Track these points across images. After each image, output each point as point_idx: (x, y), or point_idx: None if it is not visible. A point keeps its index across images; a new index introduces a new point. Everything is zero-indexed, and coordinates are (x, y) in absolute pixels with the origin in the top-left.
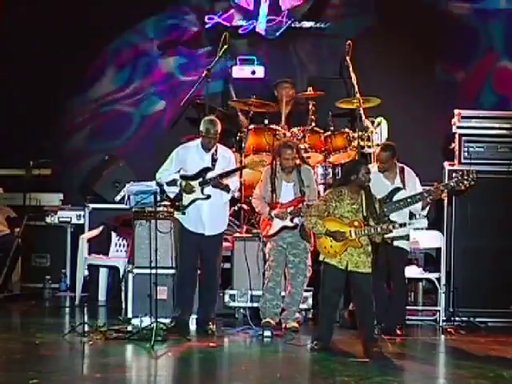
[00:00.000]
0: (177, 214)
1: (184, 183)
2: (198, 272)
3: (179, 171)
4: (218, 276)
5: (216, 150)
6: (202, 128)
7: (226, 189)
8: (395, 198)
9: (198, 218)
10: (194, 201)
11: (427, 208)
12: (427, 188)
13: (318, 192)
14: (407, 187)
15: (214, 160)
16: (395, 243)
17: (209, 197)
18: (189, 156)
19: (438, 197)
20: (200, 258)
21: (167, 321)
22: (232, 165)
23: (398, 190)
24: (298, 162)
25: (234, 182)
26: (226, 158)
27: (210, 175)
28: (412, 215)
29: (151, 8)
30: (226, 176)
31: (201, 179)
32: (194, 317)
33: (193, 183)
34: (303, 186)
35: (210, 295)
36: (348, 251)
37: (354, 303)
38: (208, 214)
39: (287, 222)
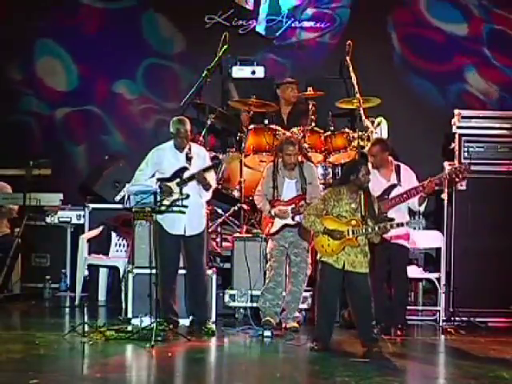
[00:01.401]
0: (157, 217)
1: (163, 187)
2: (181, 272)
3: (154, 175)
4: (206, 275)
5: (190, 149)
6: (171, 129)
7: (208, 186)
8: (391, 195)
9: (178, 219)
10: (174, 201)
11: (424, 204)
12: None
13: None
14: (403, 184)
15: (188, 159)
16: (395, 240)
17: (188, 196)
18: (164, 157)
19: (431, 190)
20: (185, 260)
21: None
22: (207, 162)
23: (393, 186)
24: (300, 158)
25: (212, 181)
26: (201, 155)
27: (186, 174)
28: (412, 213)
29: None
30: (205, 172)
31: (178, 179)
32: (192, 318)
33: (170, 184)
34: (305, 184)
35: (201, 295)
36: (345, 251)
37: (350, 303)
38: (187, 215)
39: (289, 220)
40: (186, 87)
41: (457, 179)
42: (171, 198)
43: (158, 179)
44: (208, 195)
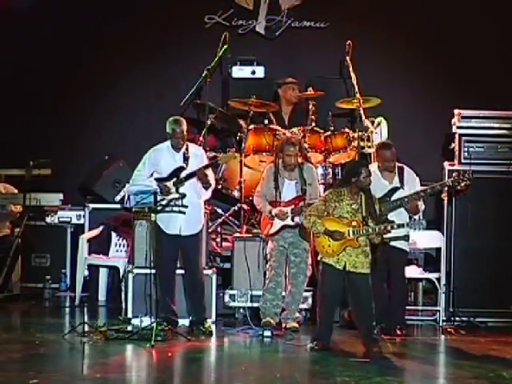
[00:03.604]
0: (153, 217)
1: (162, 186)
2: (179, 272)
3: (152, 174)
4: (203, 275)
5: (187, 149)
6: (167, 129)
7: (208, 185)
8: (393, 198)
9: (174, 219)
10: (170, 201)
11: (423, 206)
12: (424, 188)
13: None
14: (406, 187)
15: (185, 159)
16: (394, 243)
17: (184, 196)
18: (161, 158)
19: (437, 191)
20: (181, 260)
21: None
22: (204, 162)
23: (396, 189)
24: (300, 160)
25: (211, 180)
26: (198, 155)
27: (183, 174)
28: (411, 217)
29: None
30: (206, 169)
31: (175, 179)
32: (191, 318)
33: (168, 184)
34: (305, 185)
35: (197, 295)
36: (346, 251)
37: (351, 304)
38: (184, 214)
39: (288, 221)
40: None
41: (459, 187)
42: (168, 197)
43: (156, 179)
44: (207, 194)
